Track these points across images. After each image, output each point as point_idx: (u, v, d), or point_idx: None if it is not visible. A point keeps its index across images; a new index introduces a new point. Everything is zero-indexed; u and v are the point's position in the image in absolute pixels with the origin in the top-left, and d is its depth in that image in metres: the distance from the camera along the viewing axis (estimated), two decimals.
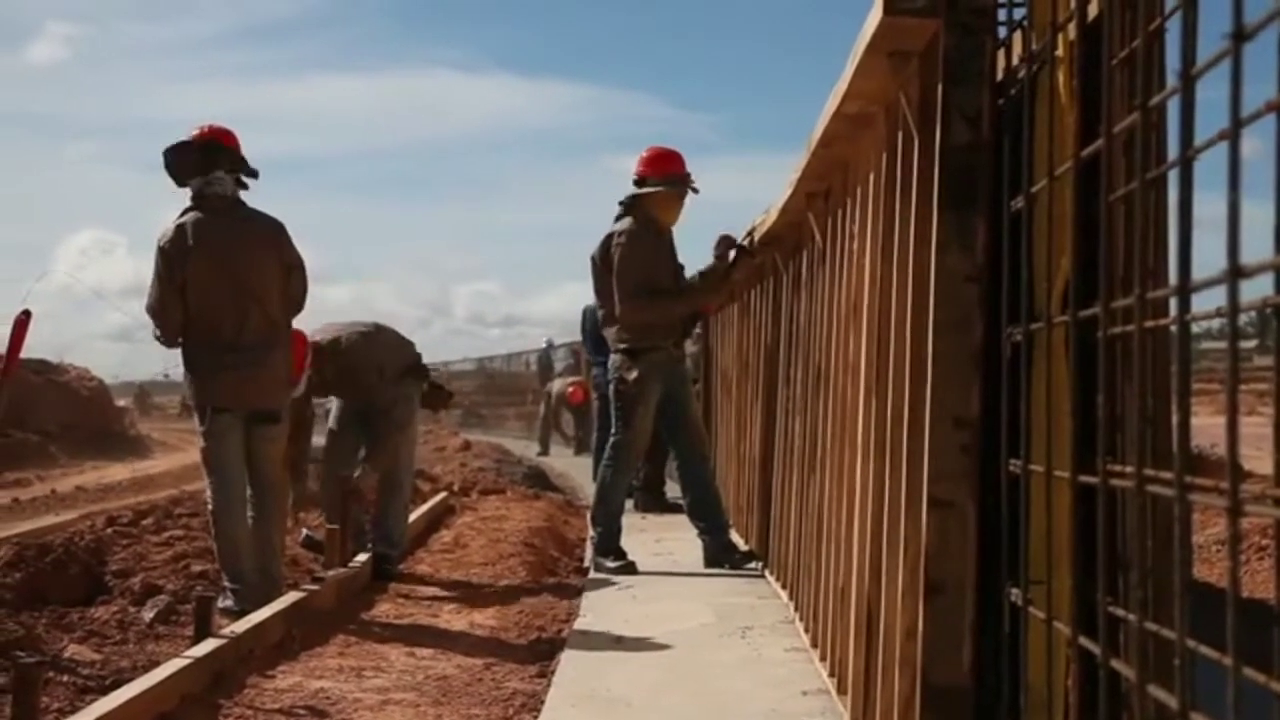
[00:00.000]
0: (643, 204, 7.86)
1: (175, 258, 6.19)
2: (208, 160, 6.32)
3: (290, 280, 6.49)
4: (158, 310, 6.27)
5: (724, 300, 9.73)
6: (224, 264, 6.23)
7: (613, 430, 7.98)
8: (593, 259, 7.95)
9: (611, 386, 8.00)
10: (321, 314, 7.50)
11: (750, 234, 7.89)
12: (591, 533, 8.03)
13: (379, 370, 7.72)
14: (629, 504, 9.06)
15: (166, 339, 6.32)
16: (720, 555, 7.69)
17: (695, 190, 7.97)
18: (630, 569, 7.57)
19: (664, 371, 7.82)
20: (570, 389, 22.95)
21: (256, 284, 6.32)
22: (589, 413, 22.78)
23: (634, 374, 7.76)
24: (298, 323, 6.79)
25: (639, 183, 7.89)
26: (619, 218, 7.92)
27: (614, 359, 7.93)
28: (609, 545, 7.75)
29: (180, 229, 6.23)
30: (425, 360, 8.24)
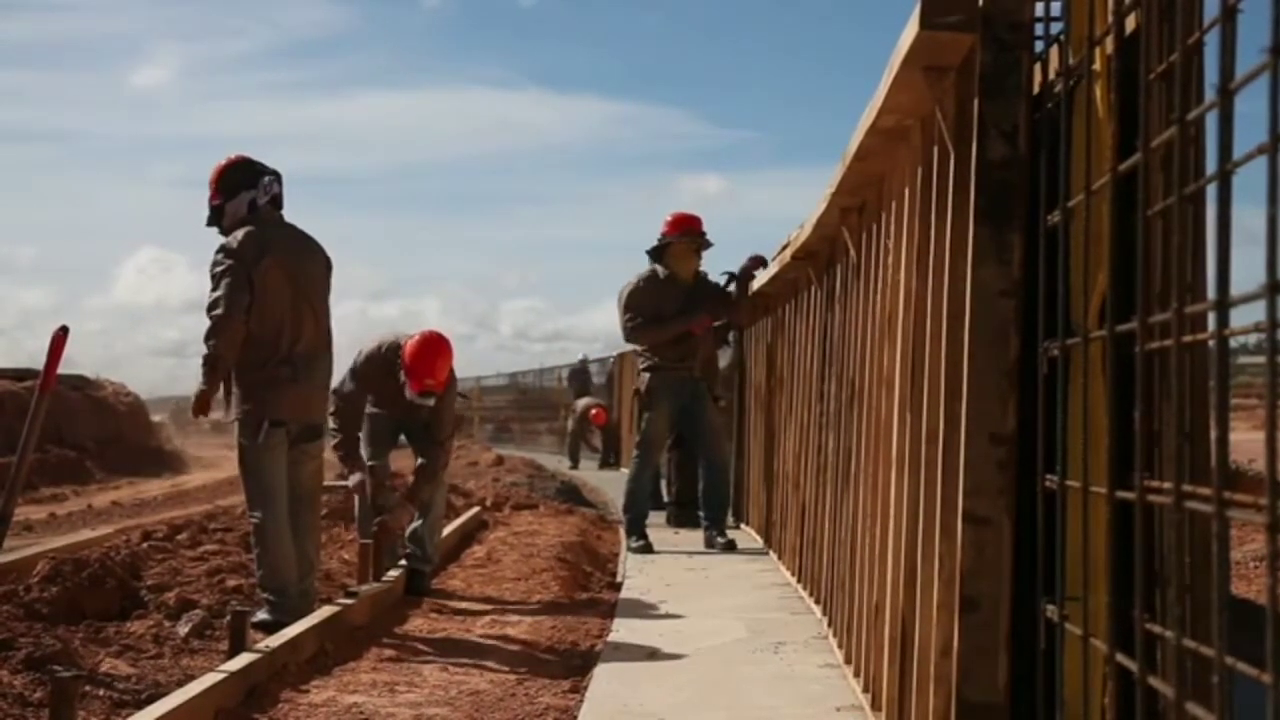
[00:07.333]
0: (662, 255, 9.58)
1: (249, 254, 6.19)
2: (251, 174, 6.42)
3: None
4: (225, 301, 6.15)
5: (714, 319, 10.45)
6: (290, 270, 6.31)
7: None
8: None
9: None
10: (370, 330, 7.66)
11: (734, 274, 9.91)
12: (623, 518, 9.85)
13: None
14: (662, 518, 10.58)
15: (230, 335, 6.14)
16: (714, 542, 9.31)
17: (709, 245, 9.66)
18: (647, 549, 9.22)
19: (672, 386, 9.47)
20: (594, 411, 22.92)
21: (314, 292, 6.43)
22: (615, 431, 22.80)
23: (644, 385, 9.63)
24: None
25: (662, 238, 9.62)
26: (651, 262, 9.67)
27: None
28: (634, 528, 9.47)
29: (250, 234, 6.25)
30: (462, 374, 8.34)
